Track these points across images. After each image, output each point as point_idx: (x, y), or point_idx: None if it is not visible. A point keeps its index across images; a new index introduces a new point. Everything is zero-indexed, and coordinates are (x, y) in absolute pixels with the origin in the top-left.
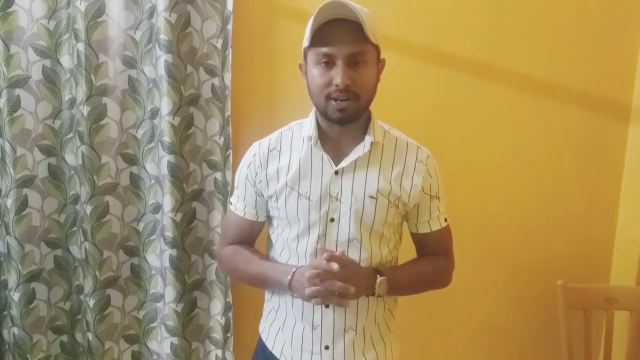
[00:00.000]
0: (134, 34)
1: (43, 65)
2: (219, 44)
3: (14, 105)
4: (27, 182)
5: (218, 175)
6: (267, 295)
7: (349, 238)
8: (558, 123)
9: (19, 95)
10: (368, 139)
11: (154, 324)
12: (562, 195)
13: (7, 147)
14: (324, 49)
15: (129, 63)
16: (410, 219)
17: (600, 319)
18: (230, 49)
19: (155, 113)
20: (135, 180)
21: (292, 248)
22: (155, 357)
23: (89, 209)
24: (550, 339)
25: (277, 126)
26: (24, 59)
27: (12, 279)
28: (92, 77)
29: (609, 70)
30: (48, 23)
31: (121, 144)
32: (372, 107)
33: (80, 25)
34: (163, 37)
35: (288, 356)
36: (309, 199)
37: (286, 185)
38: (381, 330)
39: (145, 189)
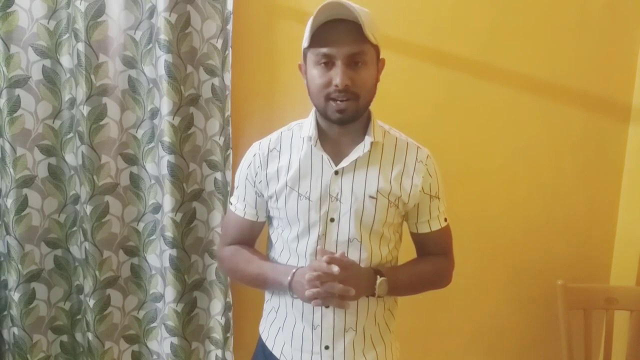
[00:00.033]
0: (134, 34)
1: (43, 65)
2: (219, 44)
3: (14, 105)
4: (27, 182)
5: (218, 175)
6: (267, 295)
7: (349, 238)
8: (558, 123)
9: (19, 95)
10: (368, 139)
11: (154, 324)
12: (562, 195)
13: (7, 147)
14: (324, 50)
15: (129, 63)
16: (410, 219)
17: (600, 319)
18: (230, 49)
19: (155, 113)
20: (135, 180)
21: (292, 248)
22: (155, 357)
23: (89, 209)
24: (550, 339)
25: (277, 126)
26: (24, 59)
27: (12, 279)
28: (92, 77)
29: (609, 70)
30: (48, 23)
31: (121, 144)
32: (372, 107)
33: (80, 25)
34: (163, 37)
35: (288, 356)
36: (309, 199)
37: (286, 185)
38: (381, 330)
39: (145, 189)
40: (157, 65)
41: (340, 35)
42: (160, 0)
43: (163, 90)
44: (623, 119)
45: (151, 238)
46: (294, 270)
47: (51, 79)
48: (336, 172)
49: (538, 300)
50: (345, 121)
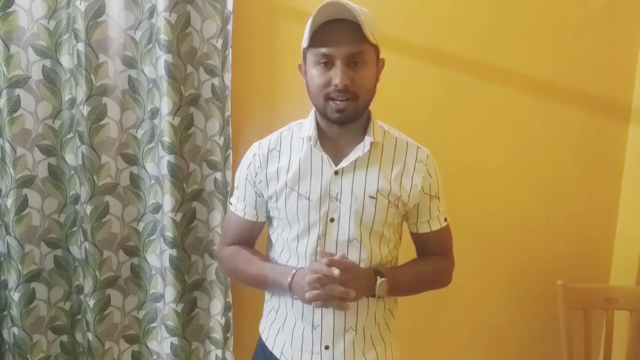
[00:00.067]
0: (134, 34)
1: (43, 65)
2: (219, 44)
3: (14, 105)
4: (27, 182)
5: (218, 175)
6: (267, 295)
7: (348, 238)
8: (558, 123)
9: (19, 95)
10: (368, 139)
11: (154, 324)
12: (562, 195)
13: (7, 147)
14: (323, 50)
15: (129, 63)
16: (410, 219)
17: (600, 319)
18: (230, 49)
19: (155, 113)
20: (135, 180)
21: (292, 248)
22: (155, 357)
23: (89, 209)
24: (550, 339)
25: (277, 126)
26: (24, 59)
27: (12, 279)
28: (92, 77)
29: (609, 70)
30: (48, 23)
31: (121, 144)
32: (372, 107)
33: (80, 25)
34: (163, 37)
35: (288, 356)
36: (308, 199)
37: (286, 185)
38: (381, 330)
39: (145, 189)
40: (157, 65)
41: (339, 35)
42: (160, 0)
43: (163, 90)
44: (623, 119)
45: (151, 238)
46: (294, 272)
47: (51, 79)
48: (336, 172)
49: (538, 300)
50: (344, 121)
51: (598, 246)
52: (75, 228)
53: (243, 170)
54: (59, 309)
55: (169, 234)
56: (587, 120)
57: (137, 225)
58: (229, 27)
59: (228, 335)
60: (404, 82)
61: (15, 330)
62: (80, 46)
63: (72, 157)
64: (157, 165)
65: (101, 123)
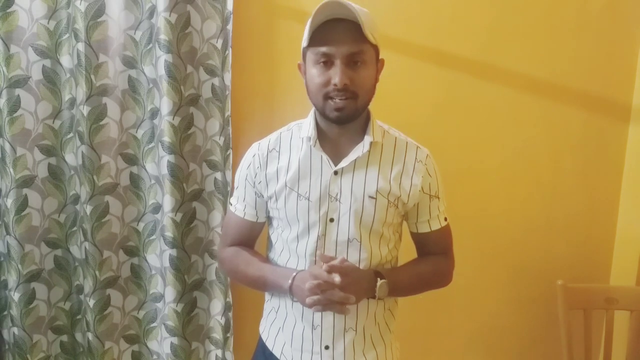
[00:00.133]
0: (134, 34)
1: (43, 65)
2: (219, 44)
3: (14, 105)
4: (27, 182)
5: (218, 175)
6: (267, 295)
7: (348, 238)
8: (558, 123)
9: (19, 95)
10: (367, 139)
11: (154, 324)
12: (562, 195)
13: (7, 147)
14: (323, 49)
15: (129, 63)
16: (410, 219)
17: (600, 319)
18: (230, 49)
19: (155, 113)
20: (135, 180)
21: (291, 248)
22: (155, 357)
23: (89, 209)
24: (550, 339)
25: (277, 126)
26: (24, 59)
27: (12, 279)
28: (92, 77)
29: (609, 70)
30: (48, 23)
31: (121, 144)
32: (371, 107)
33: (80, 25)
34: (163, 37)
35: (288, 356)
36: (308, 199)
37: (285, 185)
38: (381, 330)
39: (145, 189)
40: (157, 65)
41: (339, 35)
42: (160, 0)
43: (163, 90)
44: (623, 119)
45: (151, 238)
46: (294, 274)
47: (51, 79)
48: (335, 172)
49: (538, 300)
50: (343, 120)
51: (598, 246)
52: (75, 228)
53: (243, 170)
54: (59, 309)
55: (169, 234)
56: (587, 120)
57: (137, 225)
58: (229, 27)
59: (228, 335)
60: (404, 82)
61: (15, 330)
62: (80, 46)
63: (72, 157)
64: (157, 165)
65: (101, 123)
